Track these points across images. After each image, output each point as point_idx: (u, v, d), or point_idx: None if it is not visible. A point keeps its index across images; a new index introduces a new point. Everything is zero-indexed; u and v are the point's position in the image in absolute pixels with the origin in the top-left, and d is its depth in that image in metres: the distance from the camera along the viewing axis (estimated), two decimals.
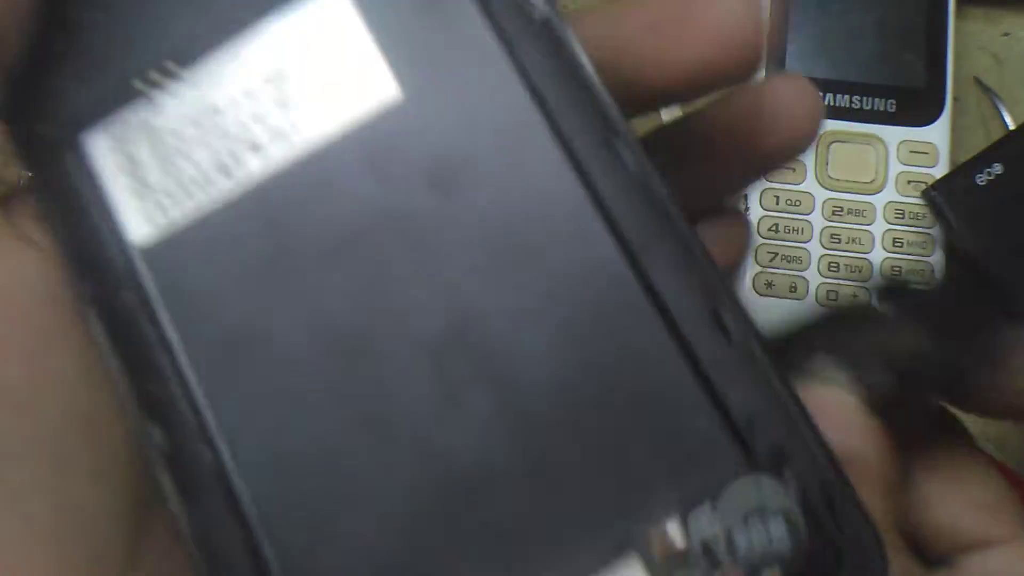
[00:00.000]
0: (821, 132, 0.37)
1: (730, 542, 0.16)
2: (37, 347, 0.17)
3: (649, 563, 0.16)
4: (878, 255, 0.37)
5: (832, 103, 0.38)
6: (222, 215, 0.18)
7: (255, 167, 0.18)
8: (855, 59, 0.38)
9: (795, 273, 0.37)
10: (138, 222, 0.18)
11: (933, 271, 0.37)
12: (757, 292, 0.36)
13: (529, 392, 0.17)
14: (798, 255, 0.37)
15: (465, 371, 0.17)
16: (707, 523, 0.16)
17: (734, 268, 0.22)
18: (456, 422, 0.17)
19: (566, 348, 0.17)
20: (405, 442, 0.17)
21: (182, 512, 0.17)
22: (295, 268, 0.18)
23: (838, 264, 0.37)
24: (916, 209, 0.37)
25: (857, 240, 0.37)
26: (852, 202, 0.37)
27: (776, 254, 0.37)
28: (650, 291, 0.17)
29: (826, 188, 0.37)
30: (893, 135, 0.37)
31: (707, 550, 0.16)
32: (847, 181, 0.37)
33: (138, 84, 0.18)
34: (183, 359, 0.18)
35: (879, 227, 0.37)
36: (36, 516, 0.17)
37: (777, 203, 0.37)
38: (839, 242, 0.37)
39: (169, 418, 0.17)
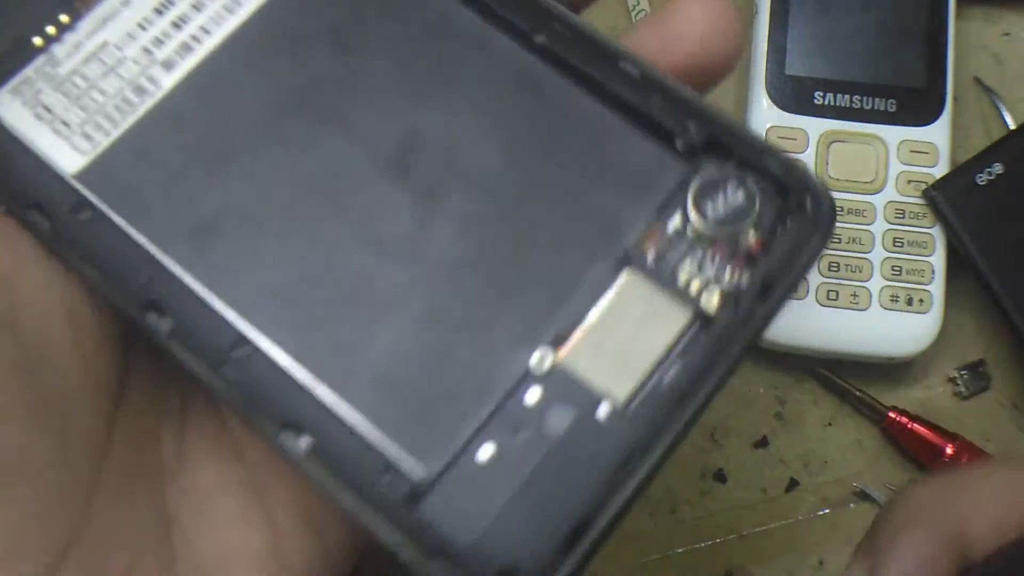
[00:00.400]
0: (819, 133, 0.37)
1: (703, 218, 0.19)
2: None
3: (644, 269, 0.19)
4: (878, 255, 0.37)
5: (832, 103, 0.38)
6: (153, 124, 0.20)
7: (173, 79, 0.21)
8: (855, 59, 0.38)
9: None
10: (67, 155, 0.20)
11: (933, 271, 0.37)
12: None
13: (489, 175, 0.20)
14: None
15: (430, 172, 0.20)
16: (678, 216, 0.19)
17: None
18: (439, 212, 0.20)
19: (503, 132, 0.20)
20: (403, 241, 0.19)
21: (210, 375, 0.18)
22: (244, 142, 0.20)
23: (838, 264, 0.37)
24: (916, 209, 0.37)
25: (857, 240, 0.37)
26: (852, 202, 0.37)
27: None
28: (553, 60, 0.20)
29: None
30: (893, 135, 0.37)
31: (689, 228, 0.19)
32: (847, 181, 0.37)
33: (36, 40, 0.21)
34: (156, 249, 0.19)
35: (879, 227, 0.37)
36: None
37: None
38: (839, 242, 0.37)
39: (164, 302, 0.19)
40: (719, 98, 0.40)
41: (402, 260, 0.19)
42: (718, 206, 0.19)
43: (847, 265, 0.37)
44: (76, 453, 0.19)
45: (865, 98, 0.38)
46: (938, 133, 0.37)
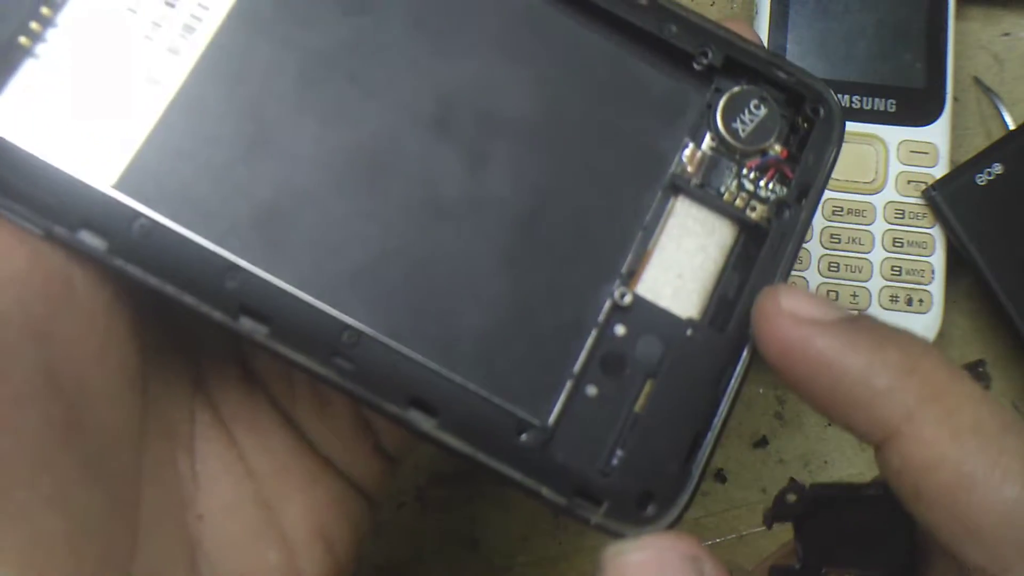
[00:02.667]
0: None
1: (734, 133, 0.21)
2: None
3: (691, 193, 0.21)
4: (878, 255, 0.37)
5: None
6: (180, 116, 0.19)
7: (186, 65, 0.19)
8: (855, 59, 0.38)
9: (795, 273, 0.37)
10: (98, 165, 0.18)
11: (933, 271, 0.37)
12: None
13: (526, 123, 0.20)
14: (798, 255, 0.37)
15: (471, 128, 0.20)
16: (709, 136, 0.21)
17: None
18: (490, 168, 0.20)
19: (530, 79, 0.21)
20: (465, 201, 0.20)
21: (324, 369, 0.18)
22: (278, 120, 0.19)
23: (838, 264, 0.37)
24: (916, 209, 0.37)
25: (857, 240, 0.37)
26: (852, 202, 0.37)
27: None
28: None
29: (826, 188, 0.37)
30: (893, 135, 0.37)
31: (722, 147, 0.21)
32: (847, 181, 0.37)
33: (22, 40, 0.19)
34: (227, 251, 0.18)
35: (879, 227, 0.37)
36: (43, 528, 0.17)
37: None
38: (839, 242, 0.37)
39: (255, 305, 0.18)
40: None
41: (468, 221, 0.20)
42: (746, 122, 0.21)
43: (847, 265, 0.37)
44: (122, 503, 0.19)
45: (865, 98, 0.38)
46: (938, 133, 0.37)
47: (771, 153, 0.21)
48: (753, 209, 0.21)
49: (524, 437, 0.19)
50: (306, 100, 0.20)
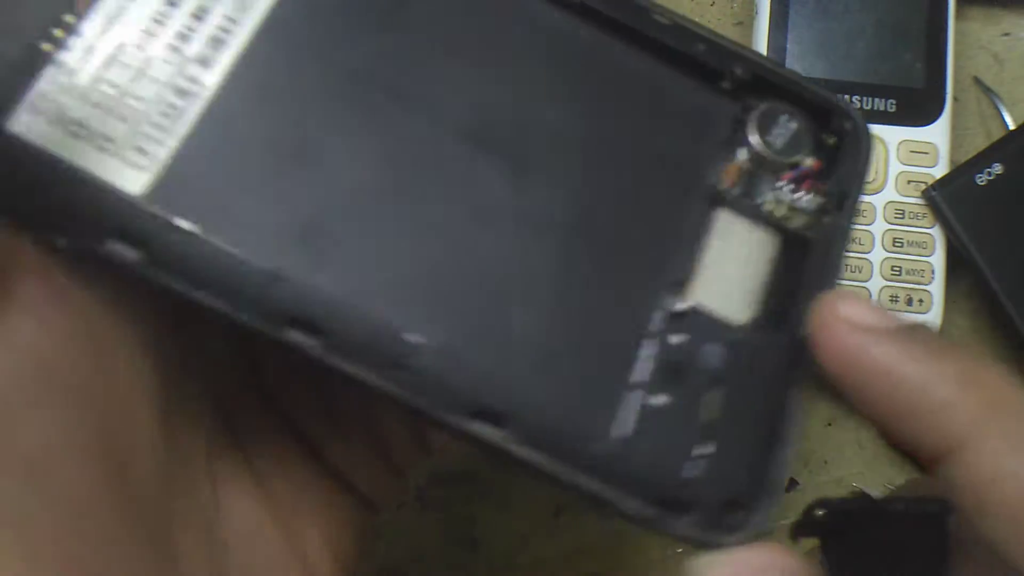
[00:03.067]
0: None
1: (769, 146, 0.21)
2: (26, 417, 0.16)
3: (732, 205, 0.21)
4: (878, 255, 0.37)
5: None
6: (212, 127, 0.18)
7: (216, 77, 0.19)
8: (855, 59, 0.38)
9: None
10: (126, 174, 0.18)
11: (933, 271, 0.37)
12: None
13: (567, 138, 0.20)
14: None
15: (511, 140, 0.20)
16: (744, 151, 0.21)
17: None
18: (534, 180, 0.20)
19: (568, 94, 0.21)
20: (511, 211, 0.20)
21: (384, 382, 0.18)
22: (316, 133, 0.19)
23: None
24: (916, 209, 0.37)
25: (857, 240, 0.37)
26: None
27: None
28: (597, 18, 0.21)
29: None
30: (893, 135, 0.37)
31: (757, 160, 0.21)
32: None
33: (44, 46, 0.18)
34: (271, 261, 0.18)
35: (879, 227, 0.37)
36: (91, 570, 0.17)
37: None
38: None
39: (306, 317, 0.18)
40: None
41: (514, 231, 0.20)
42: (778, 136, 0.21)
43: (847, 265, 0.37)
44: (161, 547, 0.19)
45: (865, 98, 0.38)
46: (938, 133, 0.37)
47: (805, 165, 0.21)
48: (792, 220, 0.21)
49: (598, 447, 0.18)
50: (341, 112, 0.19)
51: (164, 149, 0.18)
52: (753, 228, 0.21)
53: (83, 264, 0.17)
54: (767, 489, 0.19)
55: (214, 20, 0.19)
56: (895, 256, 0.37)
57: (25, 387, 0.16)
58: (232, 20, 0.19)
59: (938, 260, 0.37)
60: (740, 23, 0.41)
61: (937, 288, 0.36)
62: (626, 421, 0.19)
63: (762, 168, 0.21)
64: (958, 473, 0.19)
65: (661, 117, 0.21)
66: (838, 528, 0.21)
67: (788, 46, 0.38)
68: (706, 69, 0.22)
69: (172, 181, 0.18)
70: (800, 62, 0.38)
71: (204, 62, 0.19)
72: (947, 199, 0.36)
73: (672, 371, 0.19)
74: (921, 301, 0.36)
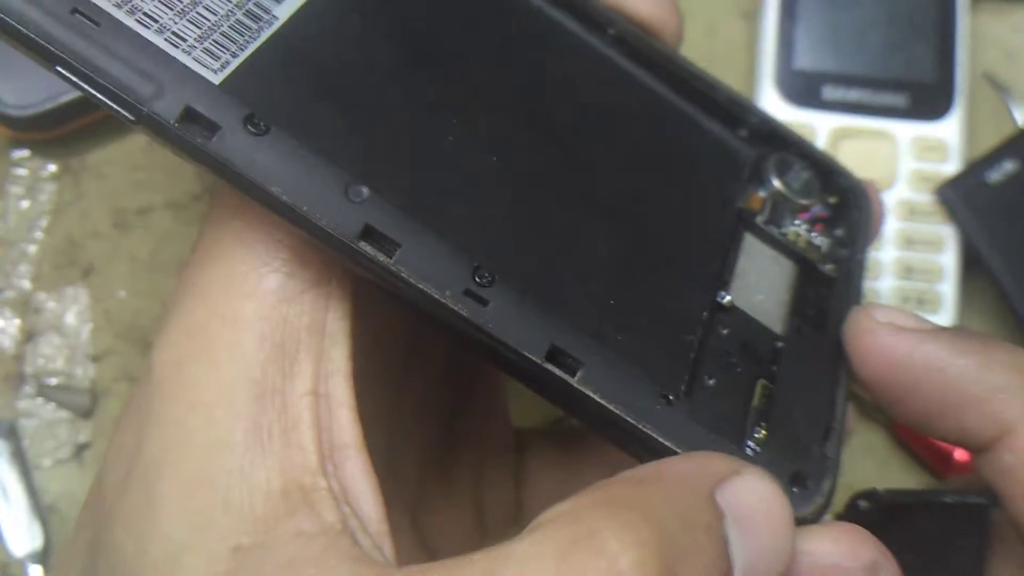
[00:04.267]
0: (829, 129, 0.36)
1: (787, 187, 0.24)
2: None
3: (758, 230, 0.23)
4: (889, 253, 0.36)
5: (842, 97, 0.37)
6: (281, 49, 0.19)
7: (286, 10, 0.19)
8: (864, 52, 0.37)
9: None
10: (197, 67, 0.18)
11: (945, 270, 0.36)
12: None
13: (626, 155, 0.23)
14: None
15: (583, 148, 0.22)
16: (765, 189, 0.24)
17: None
18: (600, 181, 0.22)
19: (624, 122, 0.24)
20: (577, 196, 0.21)
21: (441, 295, 0.18)
22: (385, 80, 0.20)
23: None
24: (928, 207, 0.36)
25: None
26: None
27: None
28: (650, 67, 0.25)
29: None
30: (904, 131, 0.36)
31: (778, 199, 0.24)
32: None
33: None
34: (355, 169, 0.18)
35: (890, 224, 0.36)
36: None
37: None
38: None
39: (378, 227, 0.18)
40: None
41: (585, 213, 0.21)
42: (793, 179, 0.24)
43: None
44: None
45: (875, 92, 0.37)
46: (950, 129, 0.36)
47: (816, 208, 0.24)
48: (810, 252, 0.24)
49: (667, 405, 0.19)
50: (409, 72, 0.20)
51: (234, 59, 0.18)
52: (775, 252, 0.23)
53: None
54: (826, 466, 0.20)
55: None
56: (906, 254, 0.36)
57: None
58: None
59: (950, 259, 0.36)
60: (747, 16, 0.40)
61: (949, 287, 0.36)
62: (687, 391, 0.20)
63: (782, 205, 0.24)
64: (1008, 458, 0.20)
65: (695, 145, 0.24)
66: (881, 520, 0.21)
67: (797, 39, 0.37)
68: (728, 115, 0.25)
69: (239, 85, 0.18)
70: (809, 55, 0.37)
71: None
72: (958, 197, 0.36)
73: (723, 356, 0.21)
74: (933, 301, 0.35)
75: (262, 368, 0.18)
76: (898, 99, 0.37)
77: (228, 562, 0.16)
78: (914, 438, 0.36)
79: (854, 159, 0.36)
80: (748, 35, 0.39)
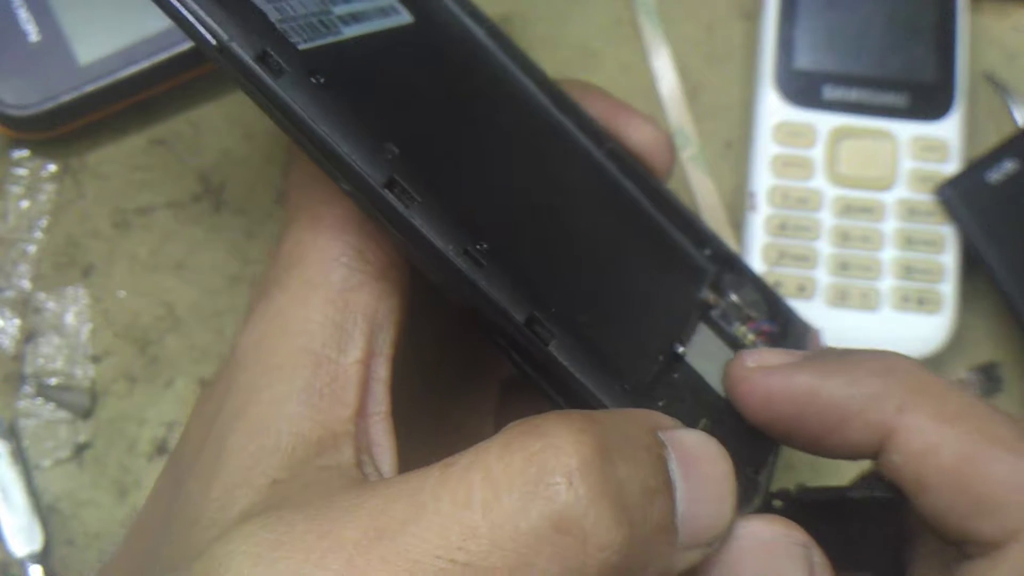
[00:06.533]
0: (829, 128, 0.36)
1: (740, 299, 0.28)
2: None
3: (709, 321, 0.26)
4: (889, 254, 0.36)
5: (842, 97, 0.37)
6: (340, 52, 0.22)
7: (351, 33, 0.23)
8: (865, 52, 0.37)
9: (803, 272, 0.36)
10: (291, 36, 0.21)
11: (946, 271, 0.36)
12: None
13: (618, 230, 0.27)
14: (806, 254, 0.36)
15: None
16: (721, 296, 0.28)
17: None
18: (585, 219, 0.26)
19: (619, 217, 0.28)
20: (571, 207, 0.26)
21: (447, 248, 0.20)
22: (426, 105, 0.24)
23: (847, 263, 0.36)
24: (928, 206, 0.36)
25: (867, 238, 0.36)
26: (861, 199, 0.36)
27: (784, 253, 0.36)
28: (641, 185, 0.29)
29: (835, 185, 0.36)
30: (904, 130, 0.36)
31: (731, 307, 0.27)
32: (856, 177, 0.36)
33: None
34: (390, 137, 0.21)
35: (889, 225, 0.36)
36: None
37: (785, 201, 0.36)
38: (848, 240, 0.36)
39: (403, 181, 0.20)
40: (725, 92, 0.39)
41: (575, 215, 0.25)
42: (745, 296, 0.28)
43: (856, 264, 0.36)
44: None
45: (875, 92, 0.37)
46: (950, 129, 0.36)
47: (762, 322, 0.27)
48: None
49: (624, 392, 0.21)
50: (445, 108, 0.24)
51: (305, 43, 0.21)
52: (721, 342, 0.26)
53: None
54: (755, 490, 0.22)
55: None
56: (906, 254, 0.36)
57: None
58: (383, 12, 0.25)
59: (951, 259, 0.36)
60: (747, 16, 0.40)
61: (950, 288, 0.35)
62: (642, 399, 0.22)
63: (734, 310, 0.27)
64: (895, 456, 0.21)
65: (668, 243, 0.28)
66: (798, 517, 0.21)
67: (796, 39, 0.37)
68: (698, 236, 0.29)
69: (310, 55, 0.21)
70: (809, 55, 0.37)
71: (346, 21, 0.23)
72: (959, 197, 0.35)
73: (673, 391, 0.23)
74: (933, 301, 0.35)
75: (323, 342, 0.21)
76: (898, 99, 0.37)
77: (266, 492, 0.19)
78: None
79: (854, 159, 0.36)
80: (748, 35, 0.39)
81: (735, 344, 0.26)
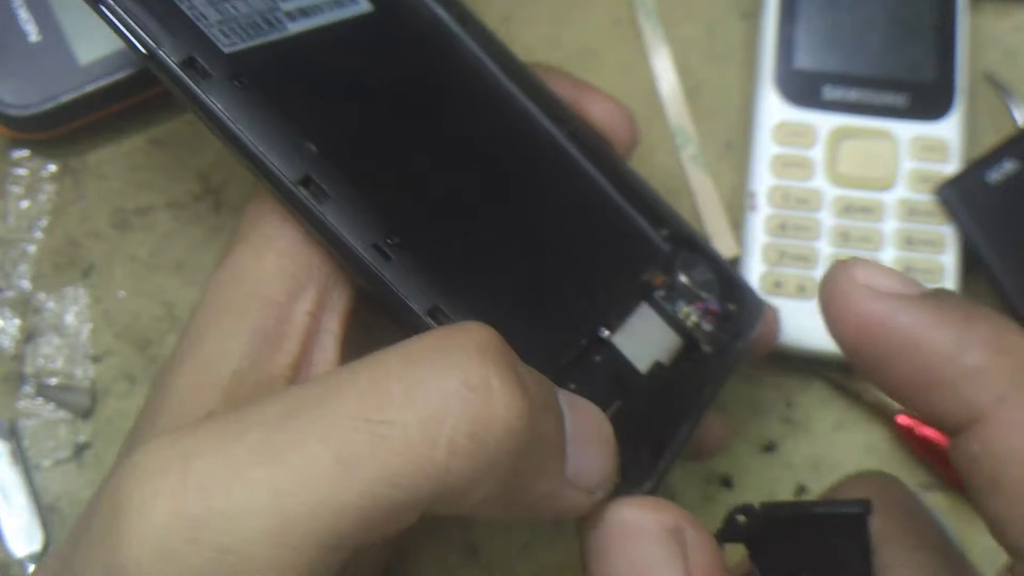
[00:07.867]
0: (829, 128, 0.36)
1: (690, 280, 0.28)
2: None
3: (654, 304, 0.27)
4: (888, 254, 0.36)
5: (842, 97, 0.37)
6: (281, 51, 0.23)
7: (297, 28, 0.24)
8: (864, 52, 0.37)
9: (803, 272, 0.36)
10: (221, 40, 0.22)
11: (946, 271, 0.36)
12: (764, 292, 0.35)
13: (556, 219, 0.27)
14: (806, 254, 0.36)
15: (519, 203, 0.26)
16: (671, 275, 0.28)
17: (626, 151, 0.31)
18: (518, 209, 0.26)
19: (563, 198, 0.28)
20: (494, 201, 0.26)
21: (355, 242, 0.22)
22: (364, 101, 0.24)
23: None
24: (928, 207, 0.36)
25: (867, 238, 0.36)
26: (862, 199, 0.36)
27: (784, 253, 0.36)
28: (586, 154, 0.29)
29: (835, 185, 0.36)
30: (904, 130, 0.36)
31: (679, 286, 0.28)
32: (856, 177, 0.36)
33: None
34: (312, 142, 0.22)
35: (890, 225, 0.36)
36: None
37: (785, 200, 0.36)
38: (848, 240, 0.36)
39: (316, 178, 0.22)
40: (725, 92, 0.39)
41: (499, 212, 0.25)
42: (696, 276, 0.28)
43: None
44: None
45: (875, 92, 0.37)
46: (950, 129, 0.36)
47: (710, 302, 0.28)
48: (696, 333, 0.27)
49: (539, 372, 0.22)
50: (382, 108, 0.25)
51: (242, 42, 0.23)
52: (661, 322, 0.27)
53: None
54: (651, 473, 0.23)
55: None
56: (906, 254, 0.36)
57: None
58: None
59: (951, 259, 0.36)
60: (747, 16, 0.40)
61: (949, 287, 0.35)
62: (560, 372, 0.23)
63: (681, 290, 0.28)
64: (975, 446, 0.18)
65: (617, 223, 0.29)
66: (762, 534, 0.21)
67: (796, 39, 0.37)
68: (654, 215, 0.29)
69: (247, 57, 0.22)
70: (809, 55, 0.37)
71: (292, 17, 0.24)
72: (959, 197, 0.35)
73: (589, 374, 0.24)
74: None
75: (275, 288, 0.22)
76: (898, 99, 0.37)
77: (202, 420, 0.20)
78: (914, 438, 0.36)
79: (854, 159, 0.36)
80: (748, 35, 0.39)
81: (677, 325, 0.27)
